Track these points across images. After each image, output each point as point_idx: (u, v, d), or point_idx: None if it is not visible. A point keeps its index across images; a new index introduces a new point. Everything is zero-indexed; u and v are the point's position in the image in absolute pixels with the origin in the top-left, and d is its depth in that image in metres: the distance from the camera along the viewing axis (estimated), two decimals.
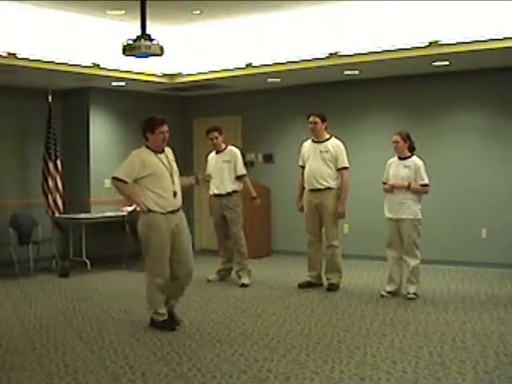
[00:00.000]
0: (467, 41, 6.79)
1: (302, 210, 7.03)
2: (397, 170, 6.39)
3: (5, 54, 7.10)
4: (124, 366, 4.28)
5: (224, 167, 7.23)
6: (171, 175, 5.19)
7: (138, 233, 5.39)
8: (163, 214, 5.12)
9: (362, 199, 8.55)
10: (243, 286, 7.11)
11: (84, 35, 7.75)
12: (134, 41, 5.98)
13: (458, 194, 8.31)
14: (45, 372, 4.20)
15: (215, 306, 6.15)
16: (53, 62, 7.51)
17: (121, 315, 5.83)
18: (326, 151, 6.78)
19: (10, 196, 8.80)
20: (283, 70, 8.08)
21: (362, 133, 8.94)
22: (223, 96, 9.95)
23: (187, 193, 5.53)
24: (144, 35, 6.01)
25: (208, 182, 6.25)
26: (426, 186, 6.34)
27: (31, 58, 7.30)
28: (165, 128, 5.17)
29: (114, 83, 8.79)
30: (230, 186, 7.23)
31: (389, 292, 6.42)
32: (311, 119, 6.84)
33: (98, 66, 7.93)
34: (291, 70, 8.00)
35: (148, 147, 5.20)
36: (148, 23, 6.11)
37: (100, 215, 8.77)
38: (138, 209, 5.27)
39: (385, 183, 6.49)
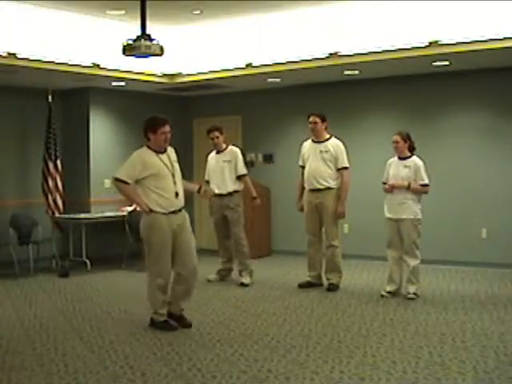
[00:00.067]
0: (467, 41, 6.79)
1: (302, 209, 7.03)
2: (397, 170, 6.39)
3: (5, 54, 7.10)
4: (124, 366, 4.28)
5: (225, 167, 7.23)
6: (173, 175, 5.17)
7: (139, 233, 5.38)
8: (165, 214, 5.11)
9: (362, 199, 8.55)
10: (242, 285, 7.11)
11: (84, 35, 7.75)
12: (134, 41, 5.98)
13: (458, 194, 8.31)
14: (45, 372, 4.20)
15: (215, 305, 6.15)
16: (53, 62, 7.51)
17: (121, 315, 5.83)
18: (326, 151, 6.78)
19: (9, 196, 8.80)
20: (283, 70, 8.08)
21: (361, 133, 8.94)
22: (223, 96, 9.95)
23: (187, 195, 5.49)
24: (144, 35, 6.01)
25: (205, 197, 6.08)
26: (426, 186, 6.34)
27: (31, 58, 7.31)
28: (167, 128, 5.15)
29: (114, 83, 8.79)
30: (231, 185, 7.23)
31: (389, 292, 6.42)
32: (311, 119, 6.84)
33: (98, 66, 7.93)
34: (291, 70, 8.00)
35: (149, 147, 5.18)
36: (148, 23, 6.11)
37: (100, 215, 8.77)
38: (138, 209, 5.26)
39: (385, 183, 6.49)
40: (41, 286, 7.37)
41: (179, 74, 8.77)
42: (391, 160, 6.52)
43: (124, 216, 8.65)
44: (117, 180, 5.14)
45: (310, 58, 7.74)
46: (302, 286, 6.98)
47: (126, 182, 5.12)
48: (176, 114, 10.07)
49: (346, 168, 6.79)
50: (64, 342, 4.91)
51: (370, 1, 7.21)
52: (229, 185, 7.22)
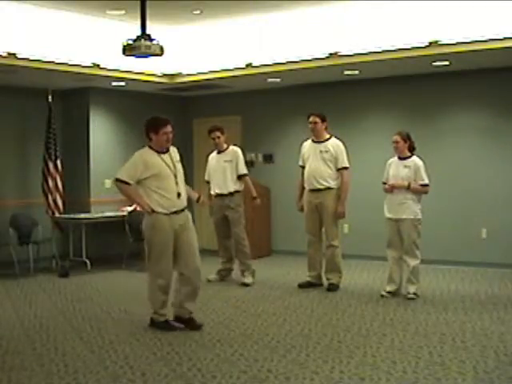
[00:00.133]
0: (467, 41, 6.79)
1: (302, 210, 7.02)
2: (397, 170, 6.39)
3: (5, 54, 7.10)
4: (124, 366, 4.28)
5: (226, 167, 7.22)
6: (175, 176, 5.15)
7: (139, 233, 5.37)
8: (167, 214, 5.09)
9: (362, 199, 8.55)
10: (244, 284, 7.12)
11: (84, 35, 7.75)
12: (134, 41, 5.97)
13: (458, 194, 8.31)
14: (45, 372, 4.20)
15: (215, 305, 6.15)
16: (53, 62, 7.51)
17: (121, 315, 5.83)
18: (326, 151, 6.78)
19: (9, 196, 8.80)
20: (283, 70, 8.08)
21: (361, 133, 8.94)
22: (223, 96, 9.95)
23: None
24: (144, 35, 6.01)
25: (202, 206, 5.97)
26: (426, 186, 6.34)
27: (31, 58, 7.31)
28: (168, 129, 5.14)
29: (114, 83, 8.79)
30: (232, 185, 7.23)
31: (389, 292, 6.42)
32: (311, 119, 6.84)
33: (98, 66, 7.93)
34: (291, 70, 8.00)
35: (151, 147, 5.17)
36: (148, 23, 6.11)
37: (100, 215, 8.77)
38: (138, 209, 5.26)
39: (385, 183, 6.49)
40: (41, 286, 7.37)
41: (179, 74, 8.77)
42: (391, 160, 6.52)
43: (124, 216, 8.65)
44: (118, 181, 5.13)
45: (309, 58, 7.74)
46: (302, 285, 6.98)
47: (127, 183, 5.11)
48: (176, 114, 10.07)
49: (346, 168, 6.79)
50: (64, 342, 4.91)
51: (370, 1, 7.21)
52: (230, 185, 7.22)
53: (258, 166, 9.76)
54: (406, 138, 6.38)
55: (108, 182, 9.10)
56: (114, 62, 7.96)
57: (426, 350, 4.56)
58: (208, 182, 7.47)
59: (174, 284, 5.29)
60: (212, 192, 7.37)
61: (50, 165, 8.45)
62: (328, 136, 6.89)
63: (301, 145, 7.13)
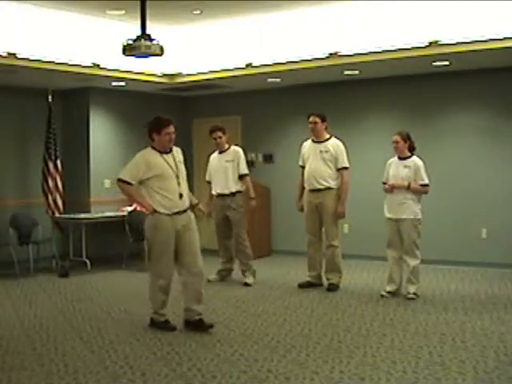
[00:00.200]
0: (467, 41, 6.79)
1: (302, 210, 7.02)
2: (397, 170, 6.39)
3: (5, 54, 7.10)
4: (124, 366, 4.28)
5: (228, 167, 7.22)
6: (177, 177, 5.14)
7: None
8: (169, 215, 5.09)
9: (362, 199, 8.55)
10: (246, 285, 7.13)
11: (84, 35, 7.75)
12: (134, 41, 5.97)
13: (458, 194, 8.31)
14: (45, 372, 4.20)
15: (215, 306, 6.14)
16: (53, 62, 7.51)
17: (121, 315, 5.83)
18: (326, 151, 6.78)
19: (10, 196, 8.80)
20: (283, 70, 8.08)
21: (361, 133, 8.94)
22: (223, 96, 9.95)
23: None
24: (144, 35, 6.00)
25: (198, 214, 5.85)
26: (426, 186, 6.34)
27: (31, 58, 7.30)
28: (171, 129, 5.13)
29: (114, 83, 8.79)
30: (234, 186, 7.22)
31: (389, 292, 6.42)
32: (311, 119, 6.84)
33: (98, 66, 7.93)
34: (291, 70, 8.00)
35: (154, 148, 5.17)
36: (148, 23, 6.10)
37: (100, 215, 8.77)
38: (138, 209, 5.26)
39: (385, 183, 6.49)
40: (41, 286, 7.37)
41: (179, 74, 8.77)
42: (391, 160, 6.52)
43: (124, 216, 8.65)
44: (120, 181, 5.12)
45: (310, 58, 7.74)
46: (302, 285, 6.98)
47: (129, 183, 5.11)
48: (176, 114, 10.06)
49: (346, 168, 6.79)
50: (64, 342, 4.91)
51: (370, 1, 7.21)
52: (231, 185, 7.22)
53: (257, 166, 9.76)
54: (406, 138, 6.38)
55: (108, 182, 9.10)
56: (114, 62, 7.95)
57: (425, 350, 4.56)
58: (209, 183, 7.46)
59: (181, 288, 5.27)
60: (213, 192, 7.36)
61: (50, 165, 8.45)
62: (328, 136, 6.89)
63: (301, 145, 7.12)
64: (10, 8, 7.09)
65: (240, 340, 4.90)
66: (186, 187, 5.25)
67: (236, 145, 7.56)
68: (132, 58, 6.57)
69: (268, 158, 9.79)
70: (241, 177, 7.24)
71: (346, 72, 8.26)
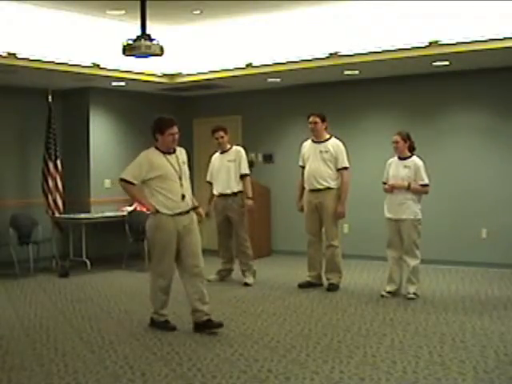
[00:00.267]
0: (467, 41, 6.79)
1: (302, 210, 7.02)
2: (397, 170, 6.39)
3: (5, 54, 7.10)
4: (124, 366, 4.28)
5: (230, 167, 7.21)
6: (180, 178, 5.13)
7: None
8: (171, 215, 5.08)
9: (362, 199, 8.55)
10: (246, 285, 7.13)
11: (84, 35, 7.75)
12: (134, 41, 5.97)
13: (458, 194, 8.31)
14: (45, 372, 4.20)
15: (215, 306, 6.12)
16: (53, 62, 7.51)
17: (121, 315, 5.83)
18: (326, 151, 6.78)
19: (9, 196, 8.81)
20: (283, 70, 8.08)
21: (361, 133, 8.94)
22: (223, 96, 9.95)
23: None
24: (144, 35, 6.00)
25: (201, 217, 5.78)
26: (426, 186, 6.34)
27: (31, 58, 7.30)
28: (174, 129, 5.11)
29: (114, 83, 8.79)
30: (236, 186, 7.21)
31: (389, 292, 6.42)
32: (311, 119, 6.84)
33: (98, 66, 7.93)
34: (291, 70, 8.00)
35: (157, 148, 5.16)
36: (148, 23, 6.10)
37: (100, 215, 8.77)
38: (138, 209, 5.26)
39: (385, 183, 6.49)
40: (41, 286, 7.37)
41: (179, 74, 8.77)
42: (391, 160, 6.52)
43: (124, 216, 8.65)
44: (122, 181, 5.12)
45: (310, 58, 7.74)
46: (302, 286, 6.98)
47: (131, 183, 5.11)
48: (176, 114, 10.01)
49: (345, 168, 6.79)
50: (64, 342, 4.91)
51: (370, 1, 7.21)
52: (233, 185, 7.21)
53: (257, 166, 9.75)
54: (406, 138, 6.38)
55: (108, 182, 9.10)
56: (114, 62, 7.96)
57: (425, 350, 4.56)
58: (210, 183, 7.45)
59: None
60: (215, 192, 7.35)
61: (50, 165, 8.45)
62: (328, 136, 6.89)
63: (301, 145, 7.12)
64: (9, 8, 7.09)
65: (240, 340, 4.90)
66: (189, 188, 5.24)
67: (238, 145, 7.56)
68: (132, 58, 6.56)
69: (268, 158, 9.79)
70: (241, 176, 7.24)
71: (346, 72, 8.26)
